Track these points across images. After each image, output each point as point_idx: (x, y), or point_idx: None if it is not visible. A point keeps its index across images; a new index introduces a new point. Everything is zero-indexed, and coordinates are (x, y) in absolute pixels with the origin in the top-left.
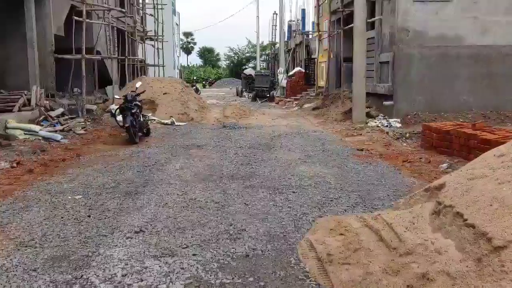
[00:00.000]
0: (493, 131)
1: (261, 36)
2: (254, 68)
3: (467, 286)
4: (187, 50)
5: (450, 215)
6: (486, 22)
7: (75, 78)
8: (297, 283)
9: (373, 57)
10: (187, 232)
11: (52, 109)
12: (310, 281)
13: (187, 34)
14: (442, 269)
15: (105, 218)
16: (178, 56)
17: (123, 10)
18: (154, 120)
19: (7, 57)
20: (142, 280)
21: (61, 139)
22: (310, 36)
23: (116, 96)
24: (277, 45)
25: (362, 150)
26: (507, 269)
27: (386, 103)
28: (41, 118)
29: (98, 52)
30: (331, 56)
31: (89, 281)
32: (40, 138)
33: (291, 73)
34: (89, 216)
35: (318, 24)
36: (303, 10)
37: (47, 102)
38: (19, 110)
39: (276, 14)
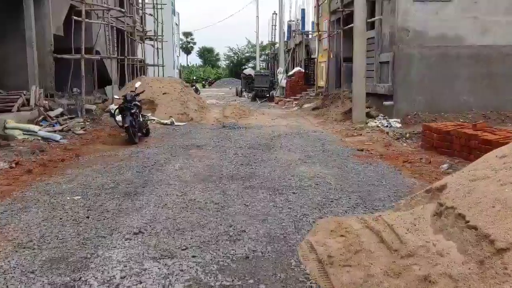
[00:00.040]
0: (494, 132)
1: (261, 36)
2: (253, 68)
3: None
4: (187, 50)
5: (452, 216)
6: (486, 22)
7: (75, 78)
8: (297, 285)
9: (373, 57)
10: (187, 233)
11: (51, 109)
12: (310, 283)
13: (187, 34)
14: (444, 271)
15: (104, 219)
16: (177, 56)
17: (122, 10)
18: (154, 120)
19: (6, 57)
20: (141, 283)
21: (60, 139)
22: (310, 36)
23: (116, 96)
24: (277, 45)
25: (362, 150)
26: (510, 272)
27: (386, 103)
28: (40, 118)
29: (97, 52)
30: (331, 56)
31: (87, 283)
32: (39, 138)
33: (290, 73)
34: (87, 217)
35: (317, 24)
36: (303, 10)
37: (46, 102)
38: (18, 110)
39: (276, 14)
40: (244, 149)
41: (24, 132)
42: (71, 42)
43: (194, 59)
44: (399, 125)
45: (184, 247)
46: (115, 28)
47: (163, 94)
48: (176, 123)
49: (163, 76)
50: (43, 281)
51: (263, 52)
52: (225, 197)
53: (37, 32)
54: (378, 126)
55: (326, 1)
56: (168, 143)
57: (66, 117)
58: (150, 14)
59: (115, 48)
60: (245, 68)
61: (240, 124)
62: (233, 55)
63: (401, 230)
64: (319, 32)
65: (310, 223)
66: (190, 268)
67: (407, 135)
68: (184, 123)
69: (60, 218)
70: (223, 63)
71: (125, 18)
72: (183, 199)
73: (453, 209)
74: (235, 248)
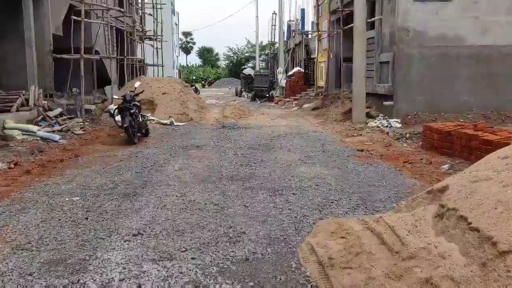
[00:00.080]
0: (494, 132)
1: (261, 36)
2: (253, 68)
3: None
4: (186, 50)
5: (454, 218)
6: (486, 22)
7: (74, 78)
8: None
9: (373, 57)
10: (186, 235)
11: (51, 109)
12: (311, 286)
13: (186, 34)
14: (446, 274)
15: (102, 220)
16: (177, 56)
17: (122, 9)
18: (153, 120)
19: (5, 57)
20: (140, 285)
21: (59, 139)
22: (310, 36)
23: (115, 96)
24: (277, 45)
25: (362, 150)
26: None
27: (386, 103)
28: (39, 118)
29: (96, 52)
30: (331, 56)
31: (86, 285)
32: (38, 138)
33: (290, 73)
34: (86, 218)
35: (317, 24)
36: (303, 10)
37: (45, 102)
38: (17, 110)
39: (276, 14)
40: (244, 150)
41: (23, 132)
42: (71, 42)
43: (193, 59)
44: (399, 125)
45: (184, 249)
46: (114, 28)
47: (162, 94)
48: (175, 123)
49: (163, 76)
50: (41, 284)
51: (262, 52)
52: (225, 198)
53: (36, 32)
54: (378, 126)
55: (326, 1)
56: (168, 143)
57: (65, 117)
58: (150, 14)
59: (115, 48)
60: (245, 68)
61: (240, 124)
62: (232, 55)
63: (402, 232)
64: (319, 32)
65: (310, 225)
66: (190, 270)
67: (407, 135)
68: (184, 123)
69: (59, 219)
70: (222, 63)
71: (124, 18)
72: (183, 200)
73: (455, 211)
74: (235, 250)
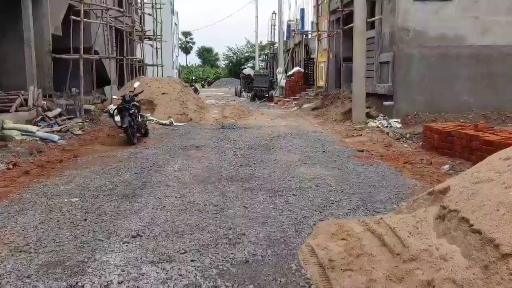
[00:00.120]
0: (495, 132)
1: (260, 35)
2: (253, 68)
3: None
4: (186, 50)
5: (455, 220)
6: (486, 22)
7: (73, 78)
8: None
9: (373, 57)
10: (186, 236)
11: (50, 110)
12: None
13: (186, 34)
14: (448, 276)
15: (101, 221)
16: (177, 56)
17: (121, 9)
18: (153, 120)
19: (4, 57)
20: None
21: (58, 139)
22: (309, 36)
23: (114, 97)
24: (276, 45)
25: (362, 151)
26: None
27: (386, 103)
28: (39, 118)
29: (96, 52)
30: (331, 56)
31: None
32: (37, 139)
33: (290, 73)
34: (85, 219)
35: (317, 24)
36: (302, 10)
37: (45, 102)
38: (16, 111)
39: (275, 13)
40: (244, 150)
41: (22, 133)
42: (70, 42)
43: (193, 59)
44: (399, 125)
45: (183, 251)
46: (114, 28)
47: (162, 94)
48: (175, 124)
49: (162, 76)
50: (38, 286)
51: (262, 52)
52: (225, 199)
53: (35, 32)
54: (378, 127)
55: (325, 1)
56: (167, 143)
57: (64, 117)
58: (149, 14)
59: (114, 48)
60: (244, 68)
61: (239, 125)
62: (232, 55)
63: (403, 234)
64: (319, 32)
65: (310, 226)
66: (189, 272)
67: (407, 135)
68: (183, 124)
69: (57, 221)
70: (222, 63)
71: (124, 17)
72: (182, 201)
73: (457, 212)
74: (234, 252)
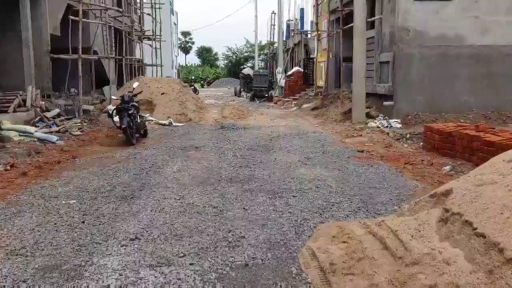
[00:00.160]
0: (496, 133)
1: (260, 35)
2: (252, 67)
3: None
4: (185, 50)
5: (459, 223)
6: (486, 22)
7: (72, 78)
8: None
9: (373, 57)
10: (184, 239)
11: (48, 110)
12: None
13: (185, 34)
14: (451, 281)
15: (99, 224)
16: (176, 56)
17: (120, 9)
18: (152, 120)
19: (2, 57)
20: None
21: (56, 140)
22: (309, 36)
23: (113, 97)
24: (276, 45)
25: (362, 151)
26: None
27: (386, 103)
28: (37, 119)
29: (95, 52)
30: (330, 56)
31: None
32: (35, 139)
33: (289, 72)
34: (83, 222)
35: (317, 24)
36: (302, 10)
37: (43, 102)
38: (14, 111)
39: (275, 13)
40: (243, 151)
41: (20, 134)
42: (69, 42)
43: (192, 59)
44: (399, 125)
45: (182, 254)
46: (113, 27)
47: (161, 94)
48: (174, 124)
49: (162, 76)
50: None
51: (261, 52)
52: (224, 200)
53: (33, 32)
54: (378, 127)
55: (325, 1)
56: (166, 144)
57: (63, 117)
58: (148, 14)
59: (113, 48)
60: (244, 68)
61: (239, 125)
62: (231, 55)
63: (406, 237)
64: (318, 32)
65: (311, 228)
66: (188, 276)
67: (408, 135)
68: (183, 124)
69: (55, 223)
70: (221, 63)
71: (123, 17)
72: (181, 203)
73: (460, 216)
74: (234, 255)
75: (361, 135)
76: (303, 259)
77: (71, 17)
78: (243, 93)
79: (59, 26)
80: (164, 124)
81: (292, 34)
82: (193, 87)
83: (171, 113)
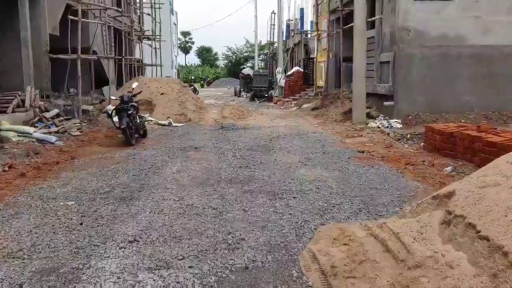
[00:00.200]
0: (498, 133)
1: (259, 35)
2: (252, 67)
3: None
4: (185, 50)
5: (462, 225)
6: (487, 22)
7: (71, 78)
8: None
9: (373, 57)
10: (184, 241)
11: (47, 110)
12: None
13: (185, 34)
14: (455, 284)
15: (98, 226)
16: (176, 56)
17: (119, 9)
18: (151, 121)
19: (0, 57)
20: None
21: (55, 141)
22: (309, 36)
23: (112, 97)
24: (275, 45)
25: (363, 152)
26: None
27: (386, 103)
28: (36, 119)
29: (94, 52)
30: (330, 56)
31: None
32: (34, 140)
33: (289, 72)
34: (81, 224)
35: (317, 23)
36: (302, 9)
37: (42, 103)
38: (13, 111)
39: (274, 13)
40: (243, 151)
41: (19, 134)
42: (68, 42)
43: (192, 59)
44: (399, 125)
45: (181, 257)
46: (112, 27)
47: (160, 94)
48: (174, 124)
49: (161, 76)
50: None
51: (261, 52)
52: (224, 202)
53: (32, 32)
54: (378, 127)
55: (325, 0)
56: (166, 144)
57: (62, 118)
58: (148, 14)
59: (113, 48)
60: (244, 68)
61: (239, 125)
62: (231, 55)
63: (408, 239)
64: (318, 32)
65: (311, 230)
66: (187, 280)
67: (408, 136)
68: (182, 124)
69: (53, 225)
70: (221, 63)
71: (122, 17)
72: (180, 204)
73: (463, 218)
74: (234, 258)
75: (361, 136)
76: (304, 261)
77: (70, 17)
78: (243, 93)
79: (58, 26)
80: (163, 125)
81: (292, 34)
82: (192, 87)
83: (171, 113)
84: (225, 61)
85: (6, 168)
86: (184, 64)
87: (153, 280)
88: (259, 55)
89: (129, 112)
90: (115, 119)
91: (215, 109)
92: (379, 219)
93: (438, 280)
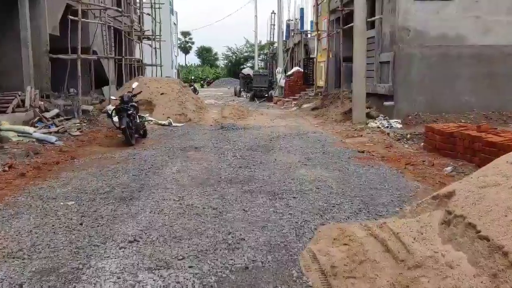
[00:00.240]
0: (498, 133)
1: (259, 35)
2: (252, 67)
3: None
4: (185, 50)
5: (462, 225)
6: (487, 21)
7: (71, 78)
8: None
9: (373, 57)
10: (184, 241)
11: (47, 110)
12: None
13: (185, 34)
14: (455, 284)
15: (98, 226)
16: (176, 56)
17: (119, 9)
18: (151, 121)
19: (0, 57)
20: None
21: (55, 141)
22: (309, 36)
23: (112, 97)
24: (275, 45)
25: (363, 152)
26: None
27: (386, 103)
28: (36, 119)
29: (94, 52)
30: (330, 56)
31: None
32: (34, 140)
33: (289, 72)
34: (81, 224)
35: (317, 23)
36: (302, 9)
37: (42, 103)
38: (13, 111)
39: (274, 13)
40: (243, 151)
41: (19, 134)
42: (68, 42)
43: (192, 59)
44: (399, 125)
45: (181, 257)
46: (112, 27)
47: (160, 94)
48: (174, 124)
49: (161, 76)
50: None
51: (261, 52)
52: (224, 202)
53: (32, 32)
54: (378, 127)
55: (325, 0)
56: (166, 144)
57: (62, 118)
58: (148, 14)
59: (113, 48)
60: (244, 68)
61: (239, 125)
62: (231, 55)
63: (408, 239)
64: (318, 32)
65: (311, 230)
66: (187, 280)
67: (408, 136)
68: (182, 124)
69: (53, 225)
70: (221, 63)
71: (122, 17)
72: (180, 204)
73: (463, 218)
74: (234, 258)
75: (361, 136)
76: (304, 261)
77: (70, 17)
78: (243, 93)
79: (58, 26)
80: (163, 124)
81: (292, 34)
82: (192, 87)
83: (171, 113)
84: (225, 61)
85: (6, 168)
86: (184, 64)
87: (153, 280)
88: (259, 55)
89: (129, 112)
90: (115, 119)
91: (215, 109)
92: (379, 219)
93: (438, 280)
